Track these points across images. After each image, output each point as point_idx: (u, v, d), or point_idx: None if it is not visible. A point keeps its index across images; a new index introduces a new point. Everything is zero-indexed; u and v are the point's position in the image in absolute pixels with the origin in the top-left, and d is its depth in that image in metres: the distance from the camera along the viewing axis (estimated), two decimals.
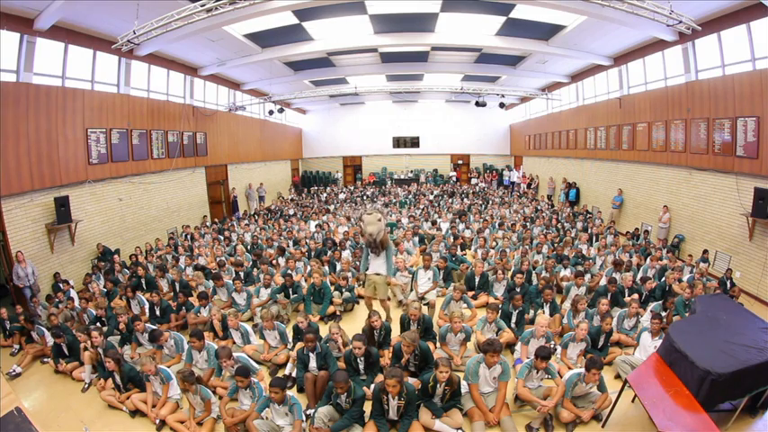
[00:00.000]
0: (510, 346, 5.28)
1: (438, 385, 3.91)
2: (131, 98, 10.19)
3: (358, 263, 8.03)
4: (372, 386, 4.08)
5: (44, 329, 5.70)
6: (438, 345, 5.12)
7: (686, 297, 5.74)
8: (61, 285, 7.53)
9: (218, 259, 8.52)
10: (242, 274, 7.81)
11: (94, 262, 8.76)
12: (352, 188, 21.01)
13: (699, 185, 8.96)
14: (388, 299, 5.60)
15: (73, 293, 7.24)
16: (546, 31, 10.49)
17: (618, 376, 4.66)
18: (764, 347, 3.54)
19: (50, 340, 5.59)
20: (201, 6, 6.75)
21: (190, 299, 6.73)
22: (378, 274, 5.51)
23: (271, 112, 16.14)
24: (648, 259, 7.69)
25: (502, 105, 17.53)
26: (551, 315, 5.78)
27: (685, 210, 9.43)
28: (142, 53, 9.59)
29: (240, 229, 11.88)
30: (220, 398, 4.30)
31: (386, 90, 17.33)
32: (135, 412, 4.33)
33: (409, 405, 3.77)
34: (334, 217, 13.04)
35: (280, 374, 4.88)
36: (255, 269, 8.19)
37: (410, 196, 17.30)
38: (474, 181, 22.36)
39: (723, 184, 8.22)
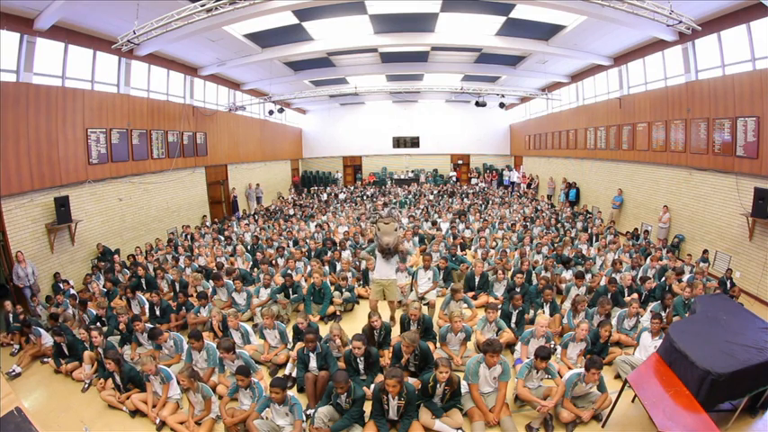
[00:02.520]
0: (510, 346, 5.27)
1: (438, 385, 3.91)
2: (131, 98, 10.19)
3: (358, 263, 8.04)
4: (372, 386, 4.08)
5: (41, 331, 5.68)
6: (438, 345, 5.12)
7: (686, 297, 5.74)
8: (61, 285, 7.54)
9: (217, 259, 8.53)
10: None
11: (94, 262, 8.76)
12: (352, 188, 21.01)
13: (699, 185, 8.96)
14: (400, 301, 5.59)
15: (73, 293, 7.23)
16: (546, 31, 10.50)
17: (618, 376, 4.65)
18: (764, 347, 3.54)
19: (47, 342, 5.59)
20: (201, 6, 6.75)
21: (190, 299, 6.73)
22: (387, 278, 5.49)
23: (271, 112, 16.14)
24: (648, 259, 7.69)
25: (502, 105, 17.52)
26: (551, 315, 5.78)
27: (685, 210, 9.43)
28: (142, 53, 9.59)
29: (240, 229, 11.88)
30: (220, 397, 4.30)
31: (386, 90, 17.33)
32: (135, 412, 4.32)
33: (409, 405, 3.77)
34: (334, 217, 13.05)
35: (280, 374, 4.88)
36: (255, 269, 8.20)
37: (410, 196, 17.30)
38: (474, 181, 22.36)
39: (723, 184, 8.22)
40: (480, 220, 11.72)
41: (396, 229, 5.28)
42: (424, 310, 5.69)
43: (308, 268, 7.88)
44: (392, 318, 5.96)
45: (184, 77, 12.40)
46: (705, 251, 8.29)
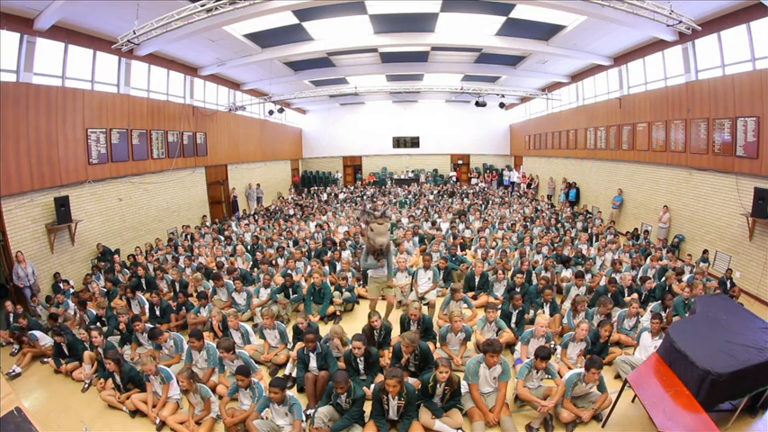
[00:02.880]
0: (510, 346, 5.27)
1: (438, 385, 3.91)
2: (131, 98, 10.19)
3: (358, 263, 8.03)
4: (372, 386, 4.08)
5: (37, 335, 5.65)
6: (438, 345, 5.12)
7: (686, 297, 5.74)
8: (61, 285, 7.54)
9: (217, 259, 8.53)
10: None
11: (94, 262, 8.76)
12: (352, 188, 21.01)
13: (699, 185, 8.96)
14: (400, 301, 5.57)
15: (74, 293, 7.22)
16: (546, 31, 10.50)
17: (618, 376, 4.65)
18: (764, 347, 3.54)
19: (45, 343, 5.59)
20: (201, 6, 6.75)
21: (190, 299, 6.73)
22: (385, 275, 5.51)
23: (271, 112, 16.13)
24: (648, 259, 7.69)
25: (502, 105, 17.52)
26: (551, 315, 5.78)
27: (685, 210, 9.43)
28: (142, 53, 9.59)
29: (240, 229, 11.88)
30: (220, 397, 4.30)
31: (386, 90, 17.32)
32: (135, 412, 4.32)
33: (409, 405, 3.77)
34: (334, 217, 13.05)
35: (280, 374, 4.89)
36: (255, 269, 8.20)
37: (410, 196, 17.30)
38: (474, 181, 22.36)
39: (723, 184, 8.22)
40: (480, 219, 11.72)
41: (388, 229, 5.25)
42: (424, 310, 5.69)
43: (308, 268, 7.88)
44: (386, 316, 5.88)
45: (184, 77, 12.40)
46: (705, 251, 8.29)
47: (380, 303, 5.91)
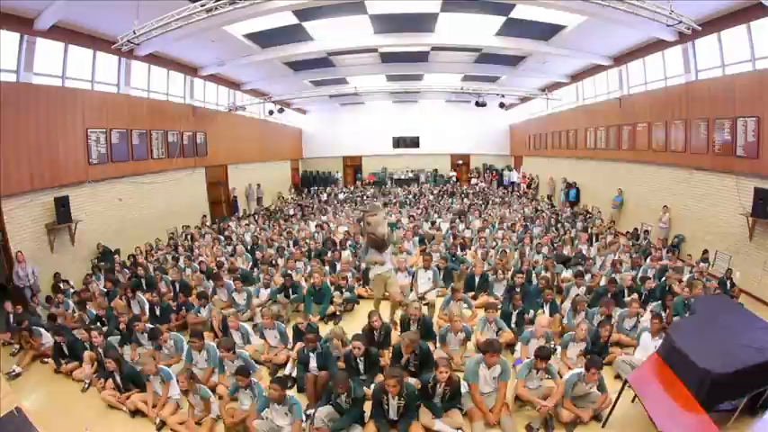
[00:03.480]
0: (510, 346, 5.26)
1: (438, 385, 3.91)
2: (131, 98, 10.19)
3: (358, 263, 8.04)
4: (372, 386, 4.08)
5: (41, 331, 5.65)
6: (438, 345, 5.12)
7: (686, 297, 5.74)
8: (61, 285, 7.53)
9: (217, 259, 8.53)
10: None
11: (94, 262, 8.76)
12: (352, 188, 21.01)
13: (699, 186, 8.95)
14: (400, 301, 5.58)
15: (75, 292, 7.22)
16: (546, 31, 10.49)
17: (618, 376, 4.65)
18: (764, 347, 3.53)
19: (47, 342, 5.58)
20: (201, 6, 6.75)
21: (190, 299, 6.73)
22: (388, 270, 5.49)
23: (271, 112, 16.13)
24: (648, 259, 7.68)
25: (502, 105, 17.51)
26: (551, 315, 5.77)
27: (685, 210, 9.42)
28: (142, 53, 9.58)
29: (240, 229, 11.88)
30: (220, 398, 4.30)
31: (386, 90, 17.32)
32: (135, 412, 4.32)
33: (409, 405, 3.77)
34: (334, 217, 13.05)
35: (280, 374, 4.88)
36: (255, 269, 8.20)
37: (410, 196, 17.29)
38: (474, 181, 22.35)
39: (723, 184, 8.21)
40: (480, 219, 11.72)
41: (384, 218, 5.27)
42: (424, 310, 5.68)
43: (308, 268, 7.88)
44: (392, 321, 5.85)
45: (184, 77, 12.40)
46: (705, 251, 8.27)
47: (384, 304, 5.90)
